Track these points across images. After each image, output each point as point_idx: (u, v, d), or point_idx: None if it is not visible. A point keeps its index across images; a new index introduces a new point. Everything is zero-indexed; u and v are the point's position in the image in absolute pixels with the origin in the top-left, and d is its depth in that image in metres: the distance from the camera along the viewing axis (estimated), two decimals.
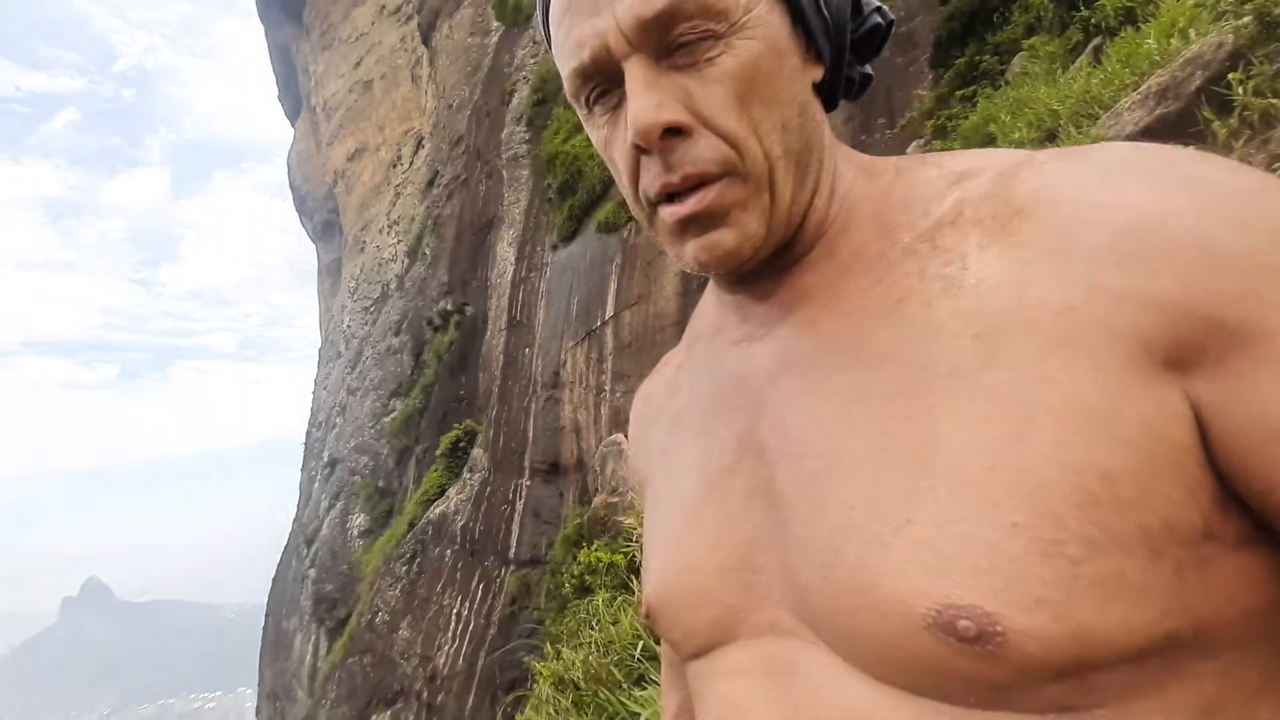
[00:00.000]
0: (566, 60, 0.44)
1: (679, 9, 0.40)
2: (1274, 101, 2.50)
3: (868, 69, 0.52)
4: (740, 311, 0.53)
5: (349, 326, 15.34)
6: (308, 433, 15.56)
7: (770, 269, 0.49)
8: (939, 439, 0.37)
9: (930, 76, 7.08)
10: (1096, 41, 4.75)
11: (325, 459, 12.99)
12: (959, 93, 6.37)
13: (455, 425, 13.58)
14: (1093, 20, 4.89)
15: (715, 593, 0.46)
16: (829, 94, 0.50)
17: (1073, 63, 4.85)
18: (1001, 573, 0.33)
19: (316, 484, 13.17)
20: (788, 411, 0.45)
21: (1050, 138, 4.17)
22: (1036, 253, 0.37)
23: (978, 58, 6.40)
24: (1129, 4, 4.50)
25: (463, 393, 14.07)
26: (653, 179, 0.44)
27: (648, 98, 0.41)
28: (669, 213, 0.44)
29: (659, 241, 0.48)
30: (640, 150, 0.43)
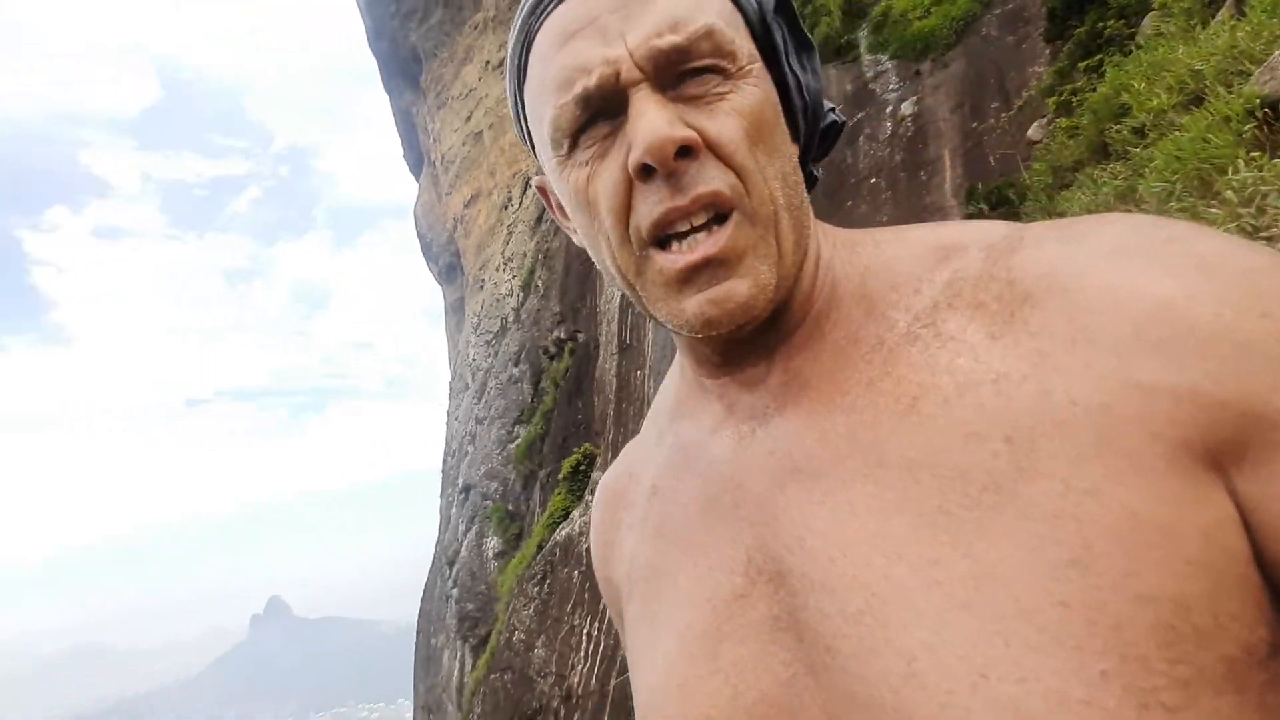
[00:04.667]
0: (562, 90, 0.40)
1: (694, 46, 0.39)
2: None
3: (816, 171, 0.51)
4: (724, 400, 0.47)
5: (474, 360, 16.29)
6: (444, 461, 16.65)
7: (758, 350, 0.45)
8: (995, 567, 0.32)
9: (1047, 51, 6.54)
10: None
11: (460, 485, 13.79)
12: (1082, 64, 5.83)
13: (575, 449, 14.01)
14: None
15: None
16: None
17: (1213, 16, 4.30)
18: None
19: (454, 509, 14.00)
20: (807, 529, 0.39)
21: (1196, 101, 3.72)
22: (1053, 343, 0.34)
23: (1100, 24, 5.83)
24: None
25: (580, 417, 14.53)
26: (654, 205, 0.39)
27: (660, 115, 0.38)
28: (670, 261, 0.39)
29: (644, 297, 0.42)
30: (642, 175, 0.39)
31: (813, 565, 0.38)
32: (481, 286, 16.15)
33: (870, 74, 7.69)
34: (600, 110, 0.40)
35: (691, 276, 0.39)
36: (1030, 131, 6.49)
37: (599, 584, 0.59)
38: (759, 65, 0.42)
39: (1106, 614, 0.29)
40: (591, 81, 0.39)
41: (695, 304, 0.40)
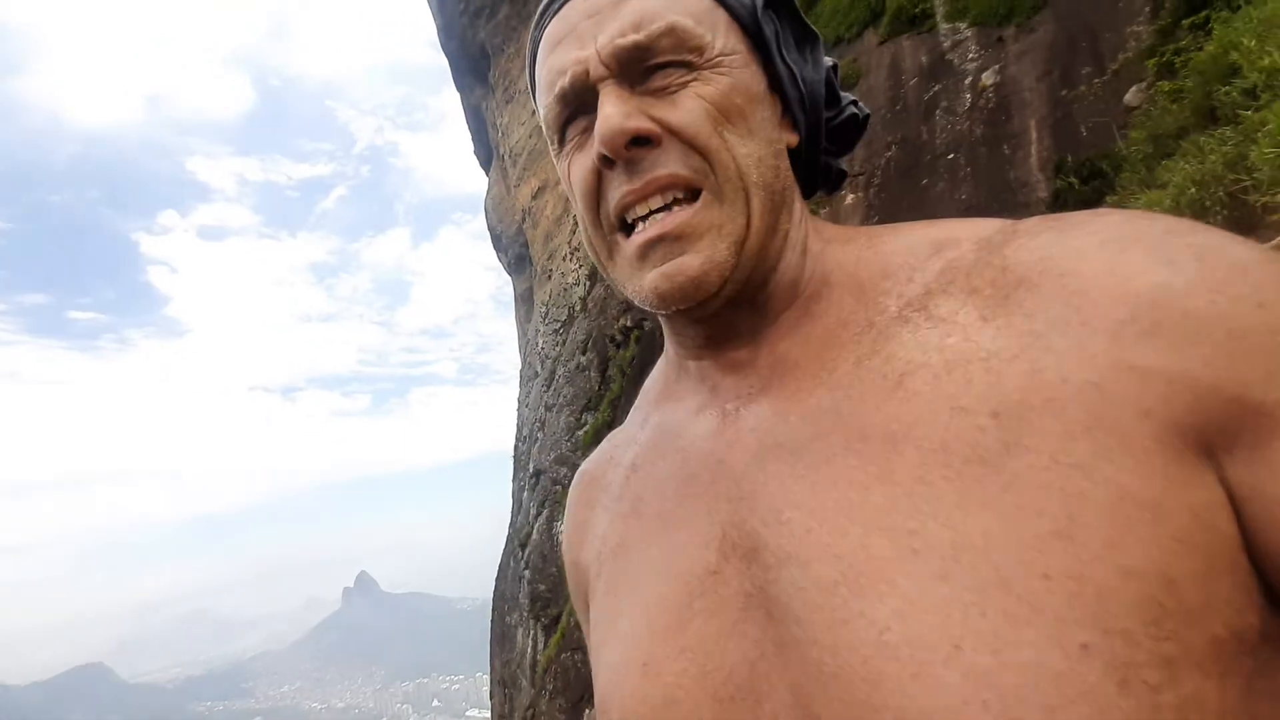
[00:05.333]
0: (548, 90, 0.44)
1: (655, 43, 0.41)
2: None
3: (842, 164, 0.51)
4: (708, 382, 0.47)
5: (543, 348, 16.63)
6: (515, 446, 17.16)
7: (742, 333, 0.45)
8: (974, 538, 0.31)
9: (1147, 9, 6.02)
10: None
11: (531, 470, 14.18)
12: (1187, 21, 5.34)
13: None
14: None
15: None
16: (807, 178, 0.49)
17: None
18: (1079, 710, 0.27)
19: (525, 493, 14.41)
20: (785, 502, 0.38)
21: None
22: (1046, 325, 0.34)
23: None
24: None
25: None
26: (615, 190, 0.42)
27: (615, 109, 0.40)
28: (630, 240, 0.42)
29: (615, 279, 0.44)
30: (605, 164, 0.41)
31: (788, 539, 0.37)
32: (549, 276, 16.45)
33: (947, 44, 7.30)
34: (578, 107, 0.43)
35: (648, 252, 0.41)
36: (1127, 97, 5.99)
37: (566, 570, 0.57)
38: (737, 57, 0.43)
39: (1090, 586, 0.29)
40: (566, 81, 0.43)
41: (651, 278, 0.41)
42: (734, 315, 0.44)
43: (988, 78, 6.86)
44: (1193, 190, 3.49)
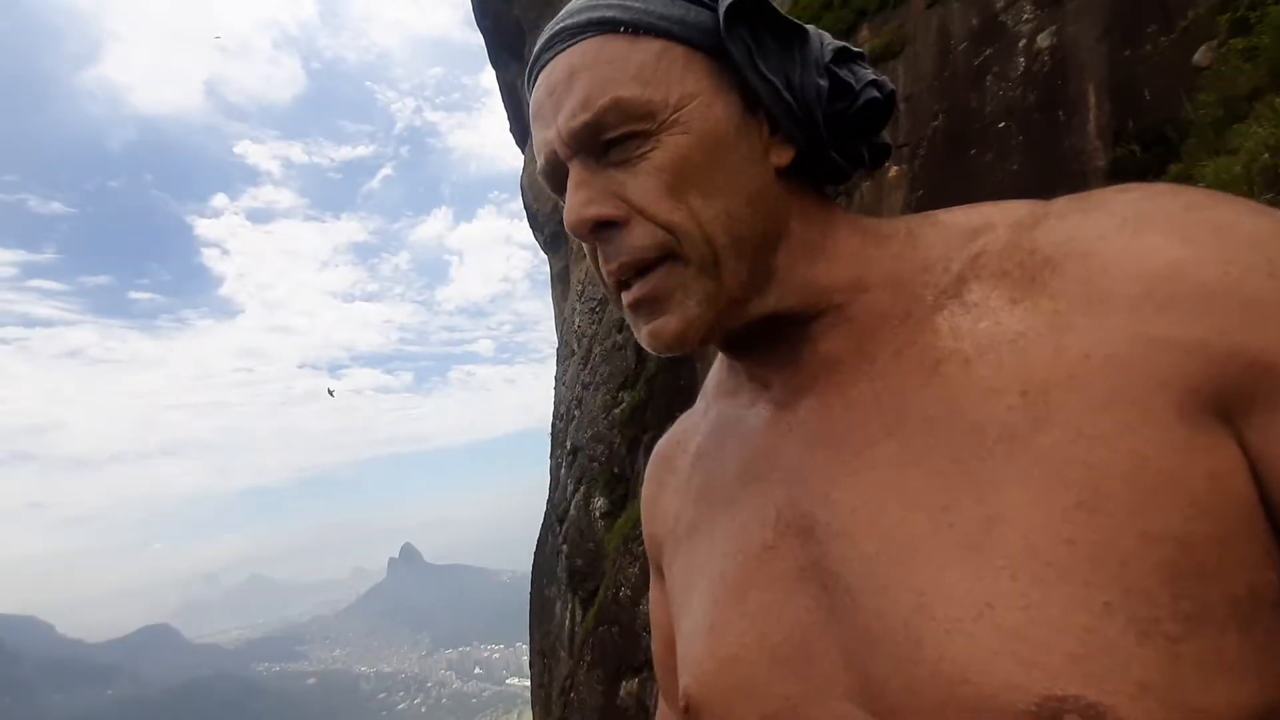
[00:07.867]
0: (537, 161, 0.47)
1: (602, 120, 0.41)
2: None
3: (885, 137, 0.48)
4: (759, 379, 0.50)
5: (579, 327, 16.74)
6: (553, 424, 17.40)
7: (780, 340, 0.47)
8: (1005, 511, 0.34)
9: None
10: None
11: (568, 447, 14.36)
12: None
13: (678, 414, 14.10)
14: None
15: (768, 685, 0.41)
16: (828, 169, 0.46)
17: None
18: (1100, 658, 0.30)
19: (563, 470, 14.61)
20: (832, 485, 0.41)
21: None
22: (1069, 304, 0.36)
23: None
24: None
25: (683, 383, 14.59)
26: (601, 264, 0.45)
27: (576, 196, 0.42)
28: (623, 298, 0.45)
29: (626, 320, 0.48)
30: (584, 242, 0.44)
31: (836, 517, 0.41)
32: (585, 254, 16.38)
33: (1000, 4, 6.95)
34: (560, 181, 0.45)
35: (637, 309, 0.45)
36: (1197, 56, 5.62)
37: (644, 538, 0.64)
38: (697, 102, 0.42)
39: (1112, 551, 0.31)
40: (542, 160, 0.46)
41: (644, 334, 0.45)
42: (764, 329, 0.46)
43: (1043, 40, 6.51)
44: (1266, 156, 3.27)
